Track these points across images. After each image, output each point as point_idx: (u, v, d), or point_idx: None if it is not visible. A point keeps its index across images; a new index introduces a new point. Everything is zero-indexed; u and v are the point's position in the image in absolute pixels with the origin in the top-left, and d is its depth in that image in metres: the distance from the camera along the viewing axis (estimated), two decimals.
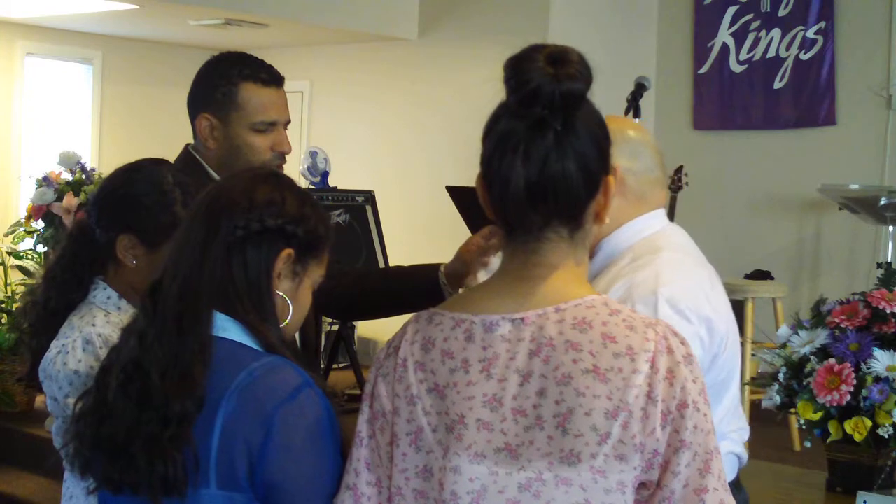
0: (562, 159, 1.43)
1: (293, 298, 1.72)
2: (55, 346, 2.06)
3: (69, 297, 2.13)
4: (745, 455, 2.13)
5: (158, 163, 2.17)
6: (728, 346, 2.02)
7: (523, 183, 1.44)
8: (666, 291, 1.95)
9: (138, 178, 2.12)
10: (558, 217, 1.47)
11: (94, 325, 2.05)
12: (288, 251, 1.69)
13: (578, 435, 1.39)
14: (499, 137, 1.46)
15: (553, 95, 1.41)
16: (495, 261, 2.23)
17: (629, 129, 2.15)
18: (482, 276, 2.19)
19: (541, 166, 1.43)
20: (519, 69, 1.43)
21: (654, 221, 2.12)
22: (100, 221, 2.12)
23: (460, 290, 2.37)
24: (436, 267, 2.47)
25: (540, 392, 1.41)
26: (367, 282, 2.70)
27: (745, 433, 2.14)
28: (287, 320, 1.72)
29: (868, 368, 2.67)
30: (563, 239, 1.48)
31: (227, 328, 1.64)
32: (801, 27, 6.59)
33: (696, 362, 1.44)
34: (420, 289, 2.48)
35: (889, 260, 5.53)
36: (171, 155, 2.49)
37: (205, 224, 1.67)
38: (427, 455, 1.46)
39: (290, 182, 1.78)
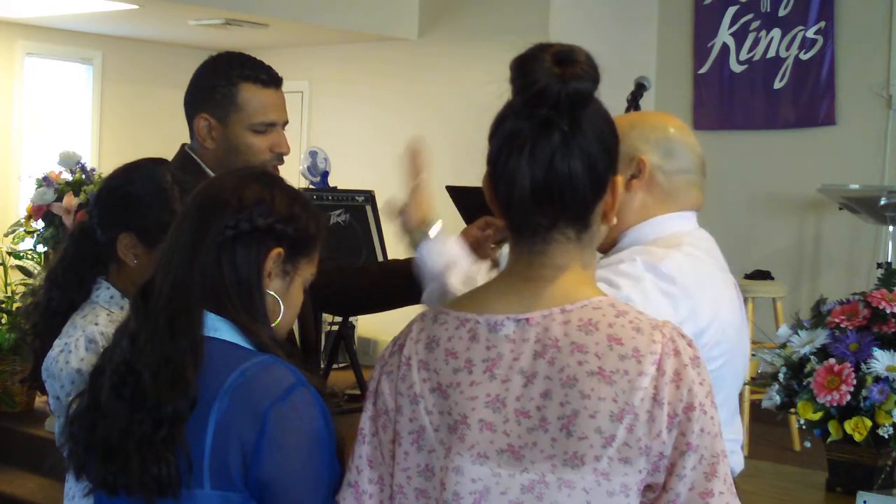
0: (568, 159, 1.42)
1: (284, 297, 1.72)
2: (58, 344, 2.06)
3: (71, 297, 2.13)
4: (740, 463, 2.11)
5: (158, 162, 2.17)
6: (715, 355, 1.98)
7: (529, 183, 1.43)
8: (669, 266, 1.91)
9: (138, 177, 2.13)
10: (565, 218, 1.46)
11: (96, 324, 2.05)
12: (278, 250, 1.69)
13: (582, 437, 1.38)
14: (505, 137, 1.45)
15: (559, 95, 1.40)
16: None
17: (671, 126, 2.08)
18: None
19: (547, 167, 1.42)
20: (525, 69, 1.42)
21: (683, 222, 2.07)
22: (100, 221, 2.12)
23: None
24: None
25: (544, 393, 1.41)
26: (365, 276, 2.71)
27: (736, 444, 2.12)
28: (279, 319, 1.72)
29: (868, 368, 2.67)
30: (569, 240, 1.47)
31: (218, 328, 1.64)
32: (801, 27, 6.59)
33: (703, 364, 1.43)
34: (416, 281, 2.49)
35: (889, 260, 5.53)
36: (172, 155, 2.49)
37: (195, 224, 1.68)
38: (429, 454, 1.46)
39: (279, 181, 1.78)
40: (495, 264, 2.26)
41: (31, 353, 2.20)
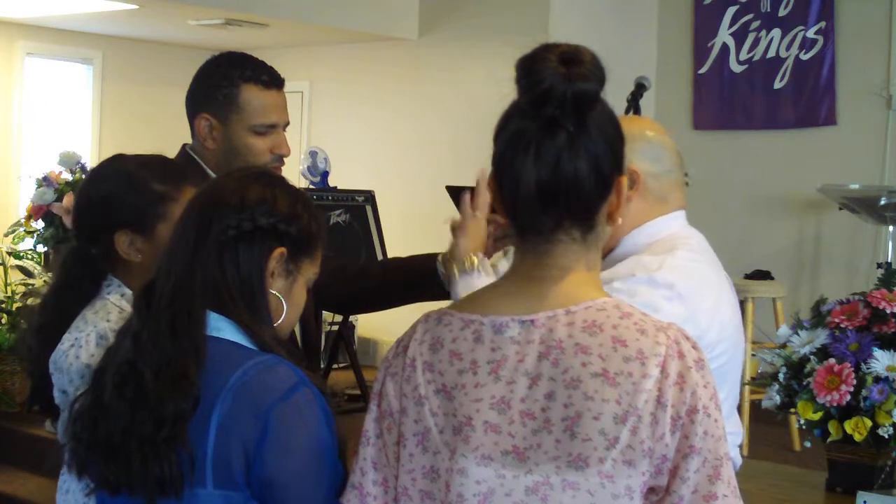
0: (574, 160, 1.42)
1: (287, 297, 1.72)
2: (68, 339, 2.05)
3: (63, 324, 2.12)
4: (738, 458, 2.13)
5: (115, 158, 2.18)
6: (717, 354, 2.00)
7: (535, 184, 1.42)
8: (667, 275, 1.94)
9: (104, 176, 2.14)
10: (570, 219, 1.46)
11: (108, 321, 2.05)
12: (280, 250, 1.70)
13: (587, 439, 1.38)
14: (510, 137, 1.45)
15: (565, 95, 1.40)
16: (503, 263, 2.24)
17: (648, 130, 2.13)
18: (504, 266, 2.18)
19: (552, 167, 1.42)
20: (531, 69, 1.41)
21: (674, 223, 2.12)
22: (91, 233, 2.12)
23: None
24: (433, 256, 2.48)
25: (548, 395, 1.40)
26: (367, 275, 2.72)
27: (738, 437, 2.15)
28: (281, 319, 1.72)
29: (868, 368, 2.66)
30: (574, 241, 1.47)
31: (221, 328, 1.65)
32: (801, 27, 6.59)
33: (707, 367, 1.43)
34: (419, 279, 2.49)
35: (889, 260, 5.53)
36: (171, 155, 2.48)
37: (197, 224, 1.68)
38: (434, 456, 1.46)
39: (281, 181, 1.78)
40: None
41: (28, 378, 2.20)
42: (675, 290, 1.91)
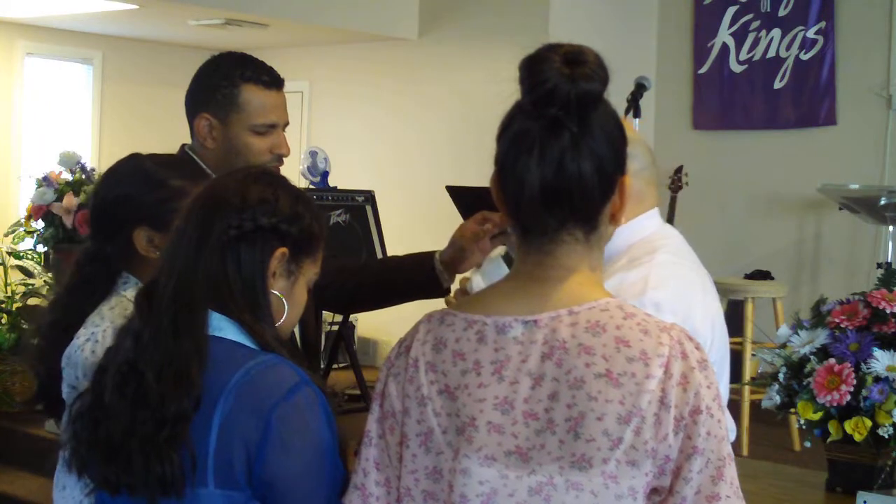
0: (577, 160, 1.42)
1: (288, 297, 1.72)
2: (83, 334, 2.05)
3: (79, 314, 2.12)
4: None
5: (130, 157, 2.19)
6: (712, 358, 2.02)
7: (538, 184, 1.42)
8: (653, 295, 1.95)
9: (121, 175, 2.15)
10: (573, 219, 1.46)
11: (124, 318, 2.04)
12: (282, 250, 1.70)
13: (590, 440, 1.38)
14: (513, 138, 1.45)
15: (569, 96, 1.40)
16: (487, 266, 2.26)
17: None
18: (477, 282, 2.22)
19: (556, 167, 1.42)
20: (534, 69, 1.42)
21: (650, 222, 2.12)
22: (109, 233, 2.12)
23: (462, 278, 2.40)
24: (431, 255, 2.49)
25: (552, 395, 1.40)
26: (365, 273, 2.72)
27: (731, 434, 2.16)
28: (283, 319, 1.72)
29: (868, 368, 2.66)
30: (578, 241, 1.47)
31: (222, 328, 1.65)
32: (801, 27, 6.59)
33: (710, 367, 1.44)
34: (417, 277, 2.50)
35: (889, 260, 5.53)
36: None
37: (198, 224, 1.68)
38: (437, 456, 1.46)
39: (283, 180, 1.78)
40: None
41: (35, 376, 2.20)
42: (662, 309, 1.93)
